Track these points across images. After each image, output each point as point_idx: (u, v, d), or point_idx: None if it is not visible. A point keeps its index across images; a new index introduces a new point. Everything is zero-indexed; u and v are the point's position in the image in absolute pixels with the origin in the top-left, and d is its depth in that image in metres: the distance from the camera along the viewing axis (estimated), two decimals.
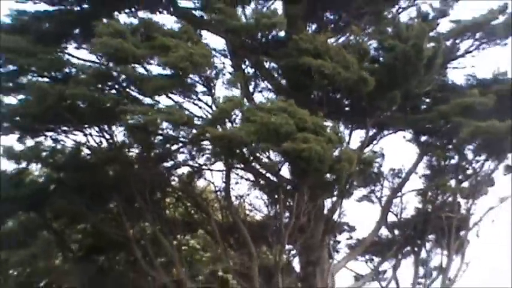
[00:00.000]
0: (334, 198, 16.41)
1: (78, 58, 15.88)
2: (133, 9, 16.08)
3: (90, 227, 17.18)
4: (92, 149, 16.14)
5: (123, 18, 15.96)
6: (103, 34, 13.60)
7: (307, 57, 14.53)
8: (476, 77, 17.00)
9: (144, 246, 16.38)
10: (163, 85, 13.96)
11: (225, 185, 16.16)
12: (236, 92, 15.26)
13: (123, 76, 14.37)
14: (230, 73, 15.84)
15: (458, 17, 17.13)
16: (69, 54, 15.94)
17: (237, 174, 16.87)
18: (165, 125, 14.50)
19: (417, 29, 14.97)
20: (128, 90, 14.61)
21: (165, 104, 14.66)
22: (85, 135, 15.95)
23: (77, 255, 17.05)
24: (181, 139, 15.36)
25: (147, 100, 14.71)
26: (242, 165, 16.01)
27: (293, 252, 17.38)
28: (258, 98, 16.48)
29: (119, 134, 15.94)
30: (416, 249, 17.92)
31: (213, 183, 17.31)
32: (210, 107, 14.64)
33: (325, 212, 16.61)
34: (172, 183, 17.28)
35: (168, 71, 13.96)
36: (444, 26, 17.09)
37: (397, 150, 18.13)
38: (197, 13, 15.88)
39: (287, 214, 16.21)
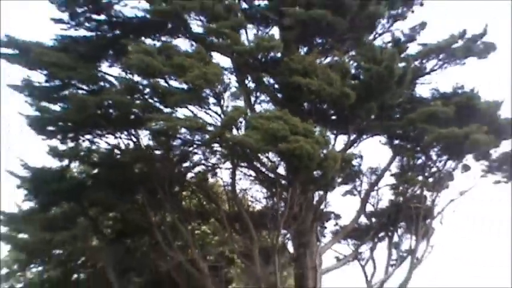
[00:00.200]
0: (322, 192, 16.56)
1: (109, 74, 16.08)
2: (156, 35, 16.26)
3: (120, 215, 17.34)
4: (121, 150, 16.32)
5: (148, 41, 15.99)
6: (135, 53, 13.91)
7: (297, 76, 14.83)
8: (439, 91, 17.11)
9: (164, 231, 16.47)
10: (183, 98, 14.25)
11: (231, 180, 16.29)
12: (240, 103, 15.60)
13: (147, 89, 14.57)
14: (236, 87, 15.95)
15: (425, 41, 17.22)
16: (102, 72, 16.11)
17: (241, 172, 16.96)
18: (183, 130, 14.74)
19: (389, 52, 15.20)
20: (150, 100, 14.74)
21: (181, 113, 14.83)
22: (116, 138, 16.18)
23: (109, 238, 17.23)
24: (196, 142, 15.58)
25: (165, 109, 14.75)
26: (246, 164, 16.24)
27: (287, 236, 17.50)
28: (258, 108, 16.51)
29: (144, 137, 16.08)
30: (389, 234, 17.97)
31: (221, 179, 17.57)
32: (220, 115, 14.83)
33: (314, 203, 16.79)
34: (188, 179, 17.36)
35: (185, 86, 14.11)
36: (413, 48, 17.15)
37: (374, 152, 18.12)
38: (208, 37, 15.72)
39: (282, 205, 16.33)
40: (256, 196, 18.28)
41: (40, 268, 20.79)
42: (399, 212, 17.77)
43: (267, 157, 15.70)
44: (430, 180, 17.57)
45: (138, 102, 14.72)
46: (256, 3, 17.00)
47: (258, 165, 16.23)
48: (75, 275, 19.64)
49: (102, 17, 16.59)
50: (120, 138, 16.25)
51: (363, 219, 18.19)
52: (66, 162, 16.65)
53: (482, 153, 17.12)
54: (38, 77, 15.75)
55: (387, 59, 15.02)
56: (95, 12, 16.27)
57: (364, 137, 17.36)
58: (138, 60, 13.90)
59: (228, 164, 16.26)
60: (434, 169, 17.52)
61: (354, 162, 17.49)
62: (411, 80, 16.12)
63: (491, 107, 16.65)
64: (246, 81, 16.47)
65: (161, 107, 14.77)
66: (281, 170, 16.39)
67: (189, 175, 17.40)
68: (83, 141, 16.33)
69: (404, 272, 17.63)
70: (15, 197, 17.29)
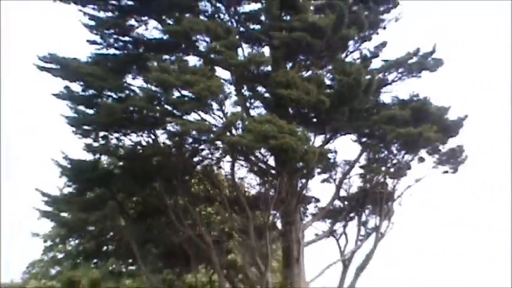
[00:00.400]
0: (304, 180, 16.90)
1: (133, 85, 16.38)
2: (171, 52, 16.57)
3: (141, 199, 17.71)
4: (142, 146, 16.56)
5: (165, 57, 16.51)
6: (154, 71, 14.58)
7: (280, 87, 15.19)
8: (399, 98, 17.29)
9: (176, 212, 16.75)
10: (192, 106, 14.77)
11: (231, 171, 16.61)
12: (238, 109, 16.19)
13: (163, 98, 14.99)
14: (235, 95, 16.48)
15: (387, 57, 17.47)
16: (127, 83, 16.43)
17: (239, 164, 17.12)
18: (193, 131, 15.14)
19: (357, 67, 15.58)
20: (166, 107, 15.16)
21: (192, 116, 15.38)
22: (138, 136, 16.53)
23: (132, 218, 17.49)
24: (203, 141, 15.98)
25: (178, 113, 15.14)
26: (243, 158, 16.56)
27: (276, 215, 17.63)
28: (253, 112, 16.78)
29: (161, 135, 16.43)
30: (358, 214, 18.23)
31: (223, 169, 17.99)
32: (222, 118, 15.34)
33: (298, 189, 17.01)
34: (197, 170, 17.64)
35: (193, 96, 14.56)
36: (377, 63, 17.36)
37: (346, 147, 18.26)
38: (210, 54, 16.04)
39: (272, 190, 16.86)
40: (251, 183, 18.46)
41: (77, 241, 21.16)
42: (366, 196, 18.00)
43: (260, 152, 16.03)
44: (391, 170, 17.76)
45: (156, 108, 15.04)
46: (251, 27, 17.10)
47: (253, 158, 16.47)
48: (105, 247, 19.79)
49: (127, 38, 16.81)
50: (142, 136, 16.53)
51: (337, 202, 18.38)
52: (98, 156, 17.01)
53: (433, 148, 17.39)
54: (76, 87, 16.09)
55: (355, 72, 15.32)
56: (121, 34, 16.58)
57: (338, 135, 17.48)
58: (156, 77, 14.44)
59: (229, 158, 16.54)
60: (394, 161, 17.72)
61: (330, 155, 17.63)
62: (376, 89, 16.28)
63: (441, 110, 17.00)
64: (243, 91, 16.67)
65: (175, 111, 15.05)
66: (271, 162, 16.63)
67: (198, 167, 17.56)
68: (111, 139, 16.57)
69: (370, 244, 17.96)
70: (58, 183, 17.68)
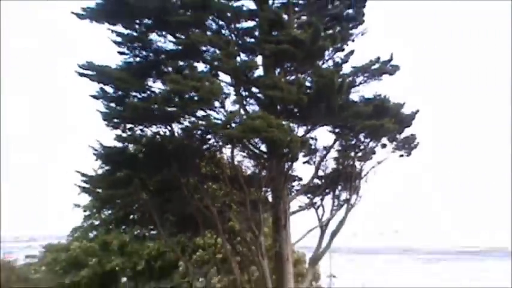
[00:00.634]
0: (289, 162, 17.10)
1: (153, 87, 16.55)
2: (184, 59, 16.61)
3: (160, 178, 17.54)
4: (161, 136, 16.89)
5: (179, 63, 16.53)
6: (169, 82, 15.09)
7: (268, 89, 15.57)
8: (364, 97, 17.36)
9: (188, 188, 17.12)
10: (200, 105, 15.17)
11: (231, 155, 16.93)
12: (237, 106, 16.39)
13: (177, 99, 15.25)
14: (234, 95, 16.63)
15: (356, 63, 17.54)
16: (148, 85, 16.50)
17: (238, 150, 17.34)
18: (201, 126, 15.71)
19: (331, 71, 15.84)
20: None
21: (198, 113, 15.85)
22: (157, 128, 16.79)
23: (153, 193, 17.75)
24: (210, 132, 16.26)
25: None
26: (240, 145, 16.84)
27: (268, 191, 17.91)
28: (248, 109, 16.92)
29: (176, 127, 16.73)
30: (333, 190, 18.51)
31: (225, 154, 18.16)
32: (224, 114, 15.76)
33: (285, 169, 17.27)
34: (205, 154, 17.75)
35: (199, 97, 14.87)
36: (347, 69, 17.44)
37: (324, 136, 18.37)
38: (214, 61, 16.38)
39: (264, 171, 17.45)
40: (247, 165, 18.54)
41: (109, 211, 21.50)
42: (339, 175, 18.29)
43: (254, 141, 16.45)
44: (359, 154, 18.03)
45: (171, 106, 15.38)
46: (247, 40, 17.17)
47: (249, 145, 16.84)
48: (131, 216, 20.09)
49: (148, 49, 16.84)
50: (160, 128, 16.78)
51: (316, 180, 18.59)
52: (125, 143, 17.34)
53: (392, 137, 17.67)
54: (108, 89, 16.31)
55: (330, 76, 15.57)
56: (143, 47, 16.74)
57: (317, 127, 17.62)
58: (171, 85, 14.96)
59: (229, 146, 16.83)
60: (362, 147, 17.97)
61: (311, 142, 17.89)
62: (346, 89, 16.43)
63: (397, 106, 17.24)
64: (240, 91, 16.82)
65: (186, 109, 15.40)
66: (263, 148, 17.03)
67: (205, 152, 17.70)
68: (136, 130, 16.82)
69: (342, 213, 18.38)
70: (94, 165, 18.24)
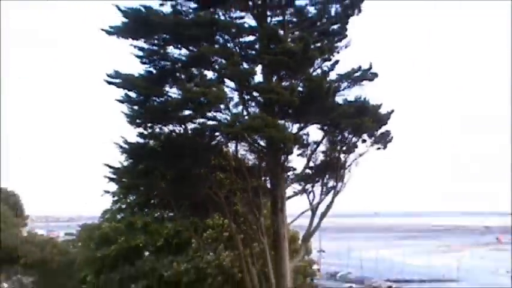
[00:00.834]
0: (285, 155, 17.09)
1: (170, 92, 16.44)
2: (197, 68, 16.59)
3: (176, 169, 17.29)
4: (176, 133, 16.82)
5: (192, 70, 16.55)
6: (183, 91, 15.17)
7: (265, 93, 15.64)
8: (348, 99, 17.21)
9: (200, 177, 17.10)
10: (208, 108, 15.33)
11: (235, 149, 17.09)
12: (240, 108, 16.45)
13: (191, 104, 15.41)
14: (238, 98, 16.53)
15: (340, 71, 17.34)
16: (166, 90, 16.44)
17: (241, 145, 17.35)
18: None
19: (319, 78, 15.97)
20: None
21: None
22: (173, 126, 16.74)
23: (170, 181, 17.52)
24: (216, 130, 16.39)
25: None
26: (243, 141, 16.78)
27: (267, 179, 17.84)
28: (251, 110, 16.65)
29: (189, 127, 16.69)
30: (322, 178, 18.35)
31: (231, 148, 18.01)
32: (229, 115, 15.86)
33: (281, 161, 17.17)
34: (214, 149, 17.37)
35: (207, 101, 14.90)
36: (333, 76, 17.22)
37: (314, 133, 18.20)
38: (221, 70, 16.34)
39: (263, 163, 17.45)
40: (249, 158, 18.39)
41: (134, 197, 21.73)
42: (327, 166, 18.20)
43: (254, 138, 16.44)
44: (344, 148, 17.96)
45: (185, 109, 15.50)
46: (249, 52, 17.13)
47: (250, 141, 16.79)
48: (152, 201, 20.01)
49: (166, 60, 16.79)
50: (176, 127, 16.76)
51: (307, 170, 18.46)
52: (146, 140, 17.22)
53: (371, 133, 17.61)
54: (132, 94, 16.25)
55: (319, 82, 15.75)
56: (161, 59, 16.72)
57: (309, 125, 17.54)
58: (184, 93, 15.20)
59: (234, 141, 17.00)
60: (346, 142, 17.91)
61: (304, 138, 17.76)
62: (332, 93, 16.43)
63: (375, 107, 17.16)
64: (243, 95, 16.76)
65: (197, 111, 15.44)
66: (262, 143, 17.00)
67: (214, 147, 17.47)
68: (155, 128, 16.76)
69: (329, 198, 18.33)
70: (120, 158, 17.97)
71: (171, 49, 16.73)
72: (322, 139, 18.07)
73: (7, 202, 59.10)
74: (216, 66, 16.52)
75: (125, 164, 17.70)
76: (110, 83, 15.79)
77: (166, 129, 16.92)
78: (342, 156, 18.05)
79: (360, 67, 17.07)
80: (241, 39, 17.08)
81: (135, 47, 16.22)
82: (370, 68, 17.23)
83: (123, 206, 25.39)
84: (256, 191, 17.11)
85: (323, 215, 18.19)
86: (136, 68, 16.71)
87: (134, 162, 17.52)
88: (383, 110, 17.37)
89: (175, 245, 24.26)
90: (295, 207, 18.45)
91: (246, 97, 16.88)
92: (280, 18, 17.21)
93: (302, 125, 17.42)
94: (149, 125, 16.61)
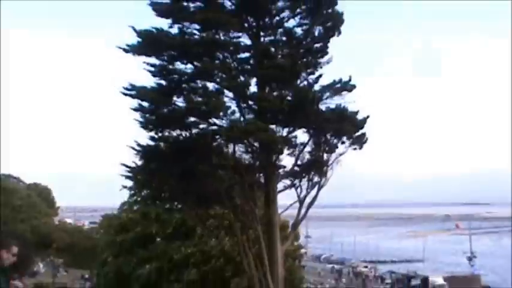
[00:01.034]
0: (276, 154, 16.88)
1: (177, 101, 16.23)
2: (202, 80, 16.40)
3: (182, 167, 16.80)
4: (183, 136, 16.62)
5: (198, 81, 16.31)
6: (188, 102, 14.94)
7: (259, 101, 15.45)
8: (330, 107, 16.86)
9: (203, 173, 16.44)
10: (209, 115, 15.25)
11: (233, 150, 16.78)
12: (237, 115, 16.22)
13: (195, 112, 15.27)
14: (235, 106, 16.34)
15: (323, 83, 16.97)
16: (174, 100, 16.16)
17: (238, 146, 16.98)
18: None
19: (306, 88, 15.69)
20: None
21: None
22: (180, 131, 16.54)
23: (178, 178, 16.89)
24: (217, 133, 16.20)
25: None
26: (240, 143, 16.56)
27: (261, 175, 17.60)
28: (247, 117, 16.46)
29: (194, 131, 16.49)
30: (308, 174, 17.85)
31: (230, 148, 17.25)
32: (227, 121, 15.67)
33: (273, 160, 16.97)
34: (215, 149, 17.04)
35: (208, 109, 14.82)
36: (317, 87, 16.85)
37: (301, 135, 17.78)
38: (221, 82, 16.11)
39: (258, 162, 17.11)
40: (246, 157, 17.83)
41: (147, 191, 21.11)
42: (313, 164, 17.84)
43: (249, 140, 16.25)
44: (327, 148, 17.66)
45: (189, 116, 15.36)
46: (245, 66, 16.96)
47: (247, 143, 16.61)
48: (163, 194, 19.62)
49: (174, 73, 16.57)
50: (182, 131, 16.58)
51: (296, 168, 17.99)
52: (156, 142, 16.91)
53: (349, 136, 17.31)
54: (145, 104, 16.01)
55: (304, 92, 15.71)
56: (170, 73, 16.50)
57: (297, 128, 17.33)
58: (188, 103, 15.06)
59: (232, 143, 16.62)
60: (329, 143, 17.61)
61: (292, 140, 17.36)
62: (317, 102, 16.30)
63: (353, 114, 16.88)
64: (240, 103, 16.58)
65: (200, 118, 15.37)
66: (256, 144, 16.68)
67: (215, 148, 17.11)
68: (165, 132, 16.63)
69: (315, 191, 18.00)
70: (134, 158, 17.58)
71: (178, 64, 16.64)
72: (308, 141, 17.83)
73: (41, 195, 59.03)
74: (217, 79, 16.39)
75: (139, 163, 17.42)
76: (126, 94, 15.71)
77: (174, 134, 16.77)
78: (325, 155, 17.80)
79: (340, 79, 16.87)
80: (238, 56, 17.00)
81: (147, 63, 16.09)
82: (350, 80, 17.03)
83: (138, 199, 25.14)
84: (251, 186, 16.93)
85: (309, 205, 17.97)
86: (136, 79, 16.60)
87: (146, 162, 17.28)
88: (359, 116, 17.17)
89: (183, 232, 24.09)
90: (285, 199, 18.28)
91: (243, 105, 16.74)
92: (272, 37, 17.10)
93: (291, 129, 17.27)
94: (159, 129, 16.49)
